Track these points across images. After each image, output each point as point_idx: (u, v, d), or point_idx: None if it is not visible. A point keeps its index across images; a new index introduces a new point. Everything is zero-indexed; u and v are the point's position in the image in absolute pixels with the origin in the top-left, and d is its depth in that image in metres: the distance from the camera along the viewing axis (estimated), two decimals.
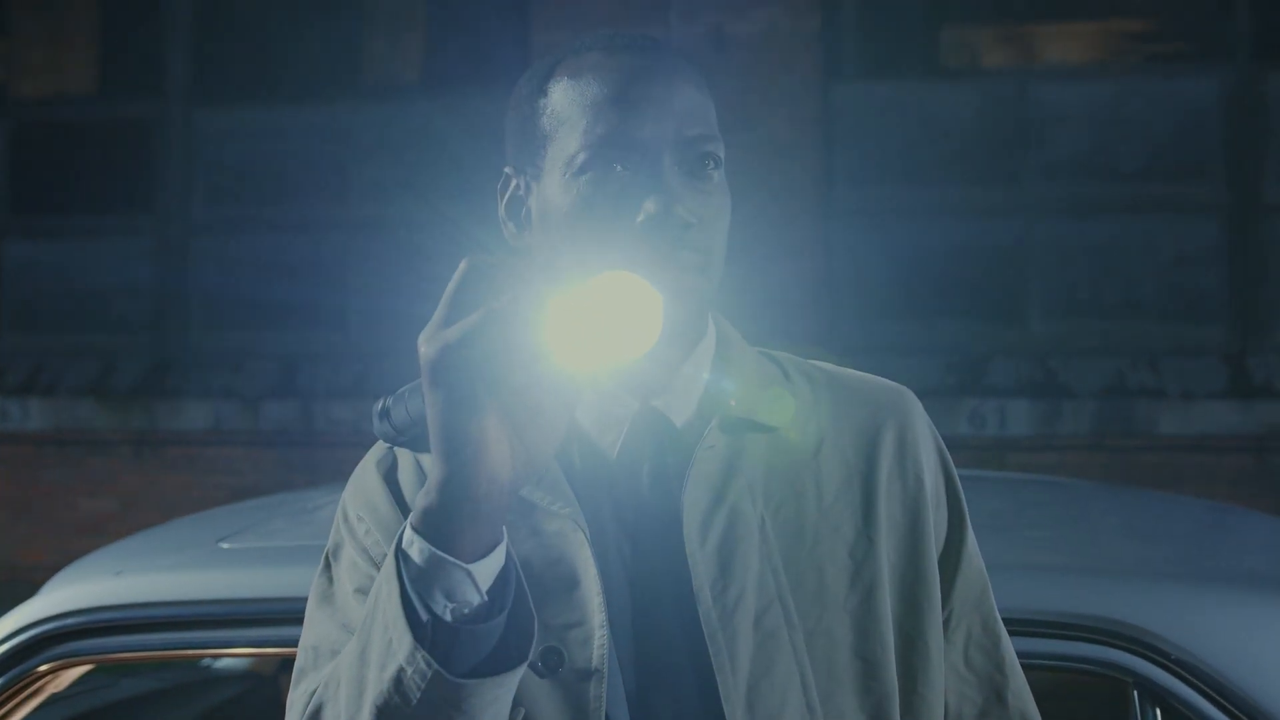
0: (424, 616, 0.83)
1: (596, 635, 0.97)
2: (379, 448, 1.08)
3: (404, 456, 1.07)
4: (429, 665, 0.82)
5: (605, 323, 0.82)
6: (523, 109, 1.05)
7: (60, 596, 1.69)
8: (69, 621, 1.63)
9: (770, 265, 4.79)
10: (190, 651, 1.79)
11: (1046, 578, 1.55)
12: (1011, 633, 1.13)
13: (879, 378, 1.13)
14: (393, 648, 0.83)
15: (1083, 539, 1.85)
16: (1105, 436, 4.67)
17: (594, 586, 0.97)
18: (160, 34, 5.61)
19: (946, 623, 1.08)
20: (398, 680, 0.83)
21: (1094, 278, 4.96)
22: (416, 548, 0.84)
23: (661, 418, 1.03)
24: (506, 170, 1.07)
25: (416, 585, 0.84)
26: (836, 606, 1.01)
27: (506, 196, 1.07)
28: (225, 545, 1.80)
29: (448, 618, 0.83)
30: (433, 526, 0.84)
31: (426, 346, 0.81)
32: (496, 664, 0.84)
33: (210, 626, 1.62)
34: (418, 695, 0.83)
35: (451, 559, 0.83)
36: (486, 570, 0.85)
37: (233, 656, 1.57)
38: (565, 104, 1.01)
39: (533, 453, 0.86)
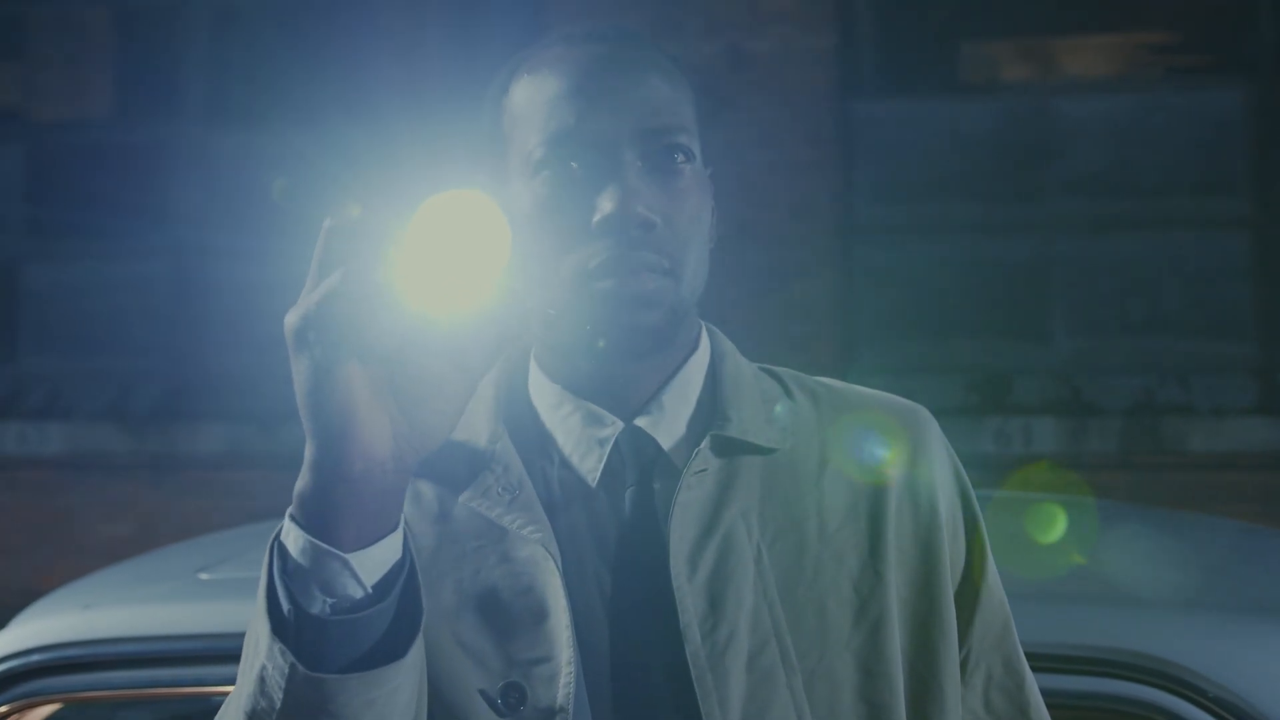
0: (285, 608, 0.75)
1: (563, 672, 0.88)
2: None
3: None
4: (285, 659, 0.74)
5: (448, 251, 0.73)
6: (487, 112, 0.99)
7: (24, 632, 1.61)
8: (33, 659, 1.55)
9: (789, 284, 4.75)
10: (164, 690, 1.69)
11: (1071, 608, 1.45)
12: (1033, 668, 1.04)
13: (891, 395, 1.04)
14: (259, 646, 0.77)
15: (1111, 565, 1.74)
16: (1133, 454, 4.60)
17: (563, 619, 0.89)
18: (176, 57, 5.62)
19: (964, 663, 0.99)
20: (261, 680, 0.76)
21: (1119, 294, 4.89)
22: (293, 536, 0.76)
23: (646, 438, 0.96)
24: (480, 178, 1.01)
25: (291, 577, 0.76)
26: (839, 645, 0.93)
27: None
28: (204, 576, 1.72)
29: (314, 610, 0.75)
30: (309, 513, 0.76)
31: (289, 316, 0.74)
32: (374, 661, 0.76)
33: (186, 663, 1.53)
34: (280, 696, 0.75)
35: (326, 547, 0.75)
36: (372, 560, 0.77)
37: (210, 695, 1.54)
38: (523, 101, 0.94)
39: (423, 428, 0.78)
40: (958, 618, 0.98)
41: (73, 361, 5.68)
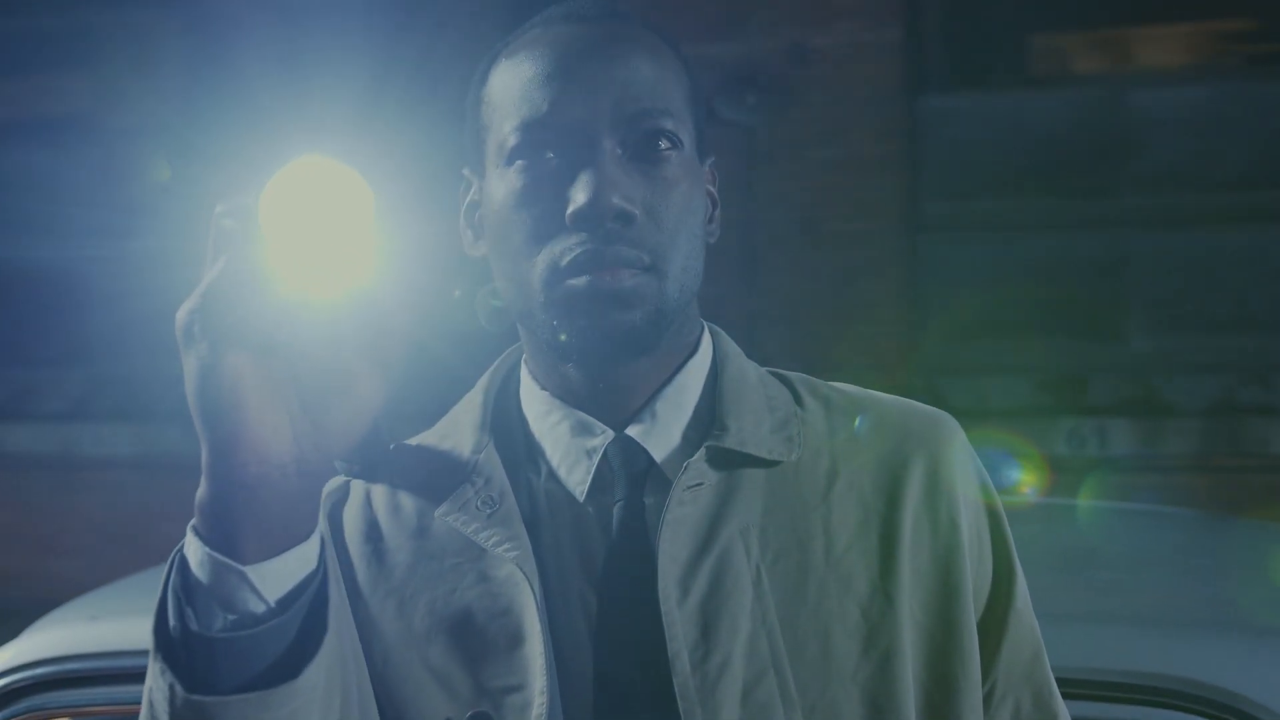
0: (171, 624, 0.70)
1: (536, 702, 0.81)
2: (334, 479, 0.95)
3: (357, 491, 0.94)
4: (165, 680, 0.69)
5: (306, 226, 0.67)
6: (469, 102, 0.92)
7: (30, 645, 1.55)
8: (38, 672, 1.50)
9: (855, 283, 4.69)
10: None
11: (1114, 630, 1.31)
12: (1068, 696, 0.95)
13: (914, 402, 0.95)
14: (151, 667, 0.72)
15: (1164, 582, 1.59)
16: (1212, 456, 4.47)
17: (537, 645, 0.82)
18: (243, 61, 5.68)
19: (988, 697, 0.91)
20: (150, 703, 0.72)
21: (1196, 290, 4.76)
22: (193, 549, 0.71)
23: (637, 449, 0.88)
24: (464, 172, 0.94)
25: (191, 592, 0.71)
26: (845, 677, 0.84)
27: (466, 201, 0.94)
28: None
29: (194, 627, 0.70)
30: (208, 523, 0.70)
31: (179, 311, 0.69)
32: (270, 681, 0.70)
33: None
34: (166, 719, 0.70)
35: (222, 559, 0.69)
36: (276, 573, 0.71)
37: None
38: (500, 89, 0.88)
39: (331, 428, 0.72)
40: (982, 646, 0.89)
41: (145, 364, 5.77)
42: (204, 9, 5.70)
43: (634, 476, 0.88)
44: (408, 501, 0.91)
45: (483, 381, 0.97)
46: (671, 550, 0.84)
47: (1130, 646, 1.27)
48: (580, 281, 0.82)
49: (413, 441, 0.95)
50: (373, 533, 0.90)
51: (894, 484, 0.88)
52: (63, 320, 5.90)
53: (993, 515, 0.93)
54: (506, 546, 0.85)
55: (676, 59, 0.91)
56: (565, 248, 0.83)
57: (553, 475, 0.90)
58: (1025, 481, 4.05)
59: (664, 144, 0.85)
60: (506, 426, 0.93)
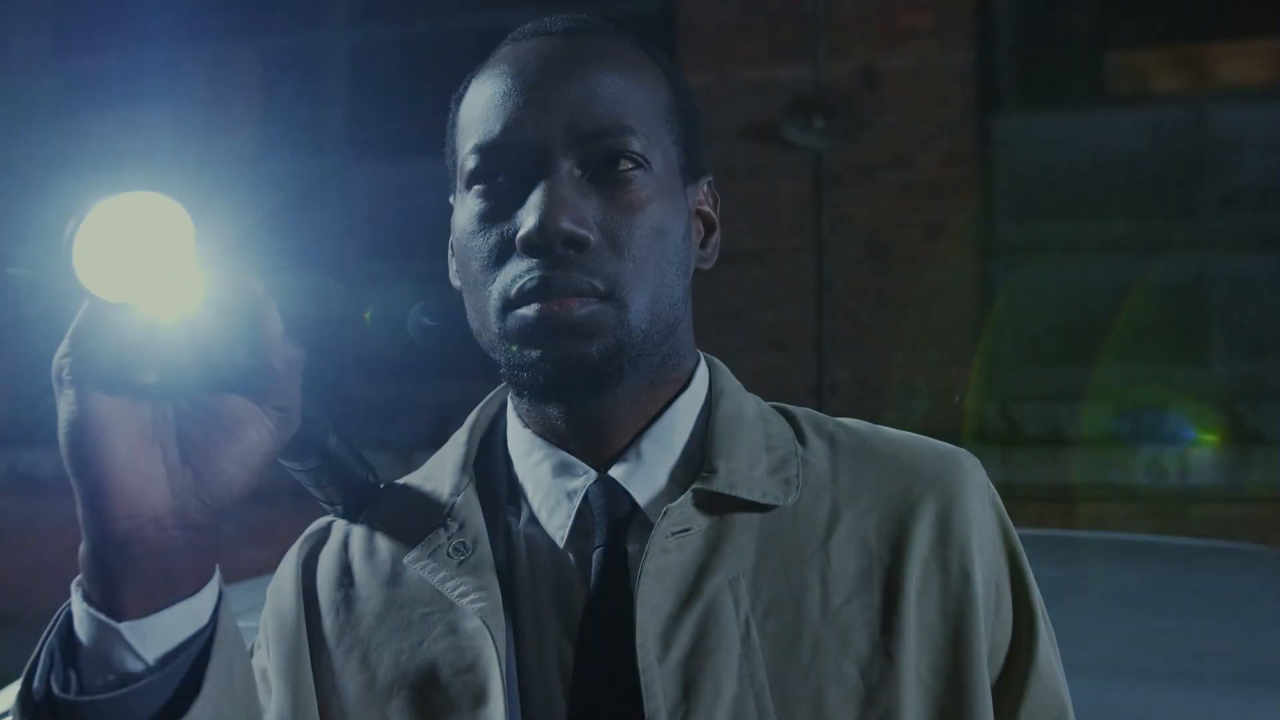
0: (35, 685, 0.66)
1: None
2: (321, 519, 0.92)
3: (337, 533, 0.90)
4: None
5: (128, 262, 0.63)
6: (446, 126, 0.88)
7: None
8: None
9: (926, 308, 4.61)
10: None
11: (1167, 685, 1.16)
12: None
13: (928, 439, 0.88)
14: None
15: (1235, 633, 1.41)
16: None
17: (499, 706, 0.77)
18: (318, 94, 5.78)
19: None
20: None
21: None
22: (76, 605, 0.67)
23: (619, 492, 0.82)
24: (450, 200, 0.89)
25: (74, 652, 0.66)
26: None
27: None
28: (239, 624, 1.60)
29: (58, 690, 0.65)
30: (88, 578, 0.67)
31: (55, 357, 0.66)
32: None
33: None
34: None
35: (99, 615, 0.65)
36: (158, 630, 0.66)
37: None
38: (466, 111, 0.84)
39: (215, 479, 0.68)
40: (997, 711, 0.81)
41: None
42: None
43: (616, 521, 0.82)
44: (383, 545, 0.86)
45: (470, 418, 0.92)
46: (652, 601, 0.78)
47: (1192, 708, 1.14)
48: (530, 311, 0.77)
49: (401, 481, 0.91)
50: (345, 578, 0.86)
51: (900, 530, 0.81)
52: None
53: (1014, 564, 0.85)
54: (473, 598, 0.80)
55: (655, 72, 0.85)
56: (515, 275, 0.78)
57: (533, 519, 0.84)
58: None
59: (625, 164, 0.79)
60: (490, 466, 0.88)
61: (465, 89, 0.86)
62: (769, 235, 4.76)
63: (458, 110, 0.86)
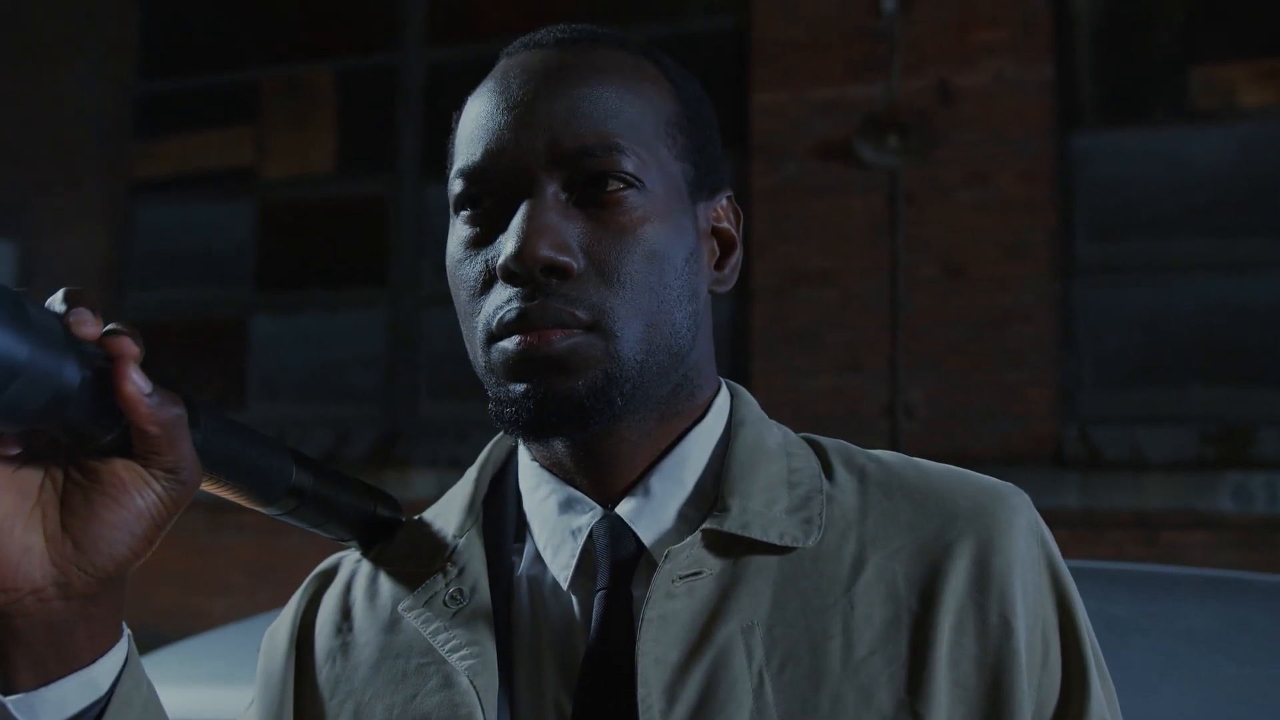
0: None
1: None
2: (333, 555, 0.87)
3: (343, 574, 0.85)
4: None
5: None
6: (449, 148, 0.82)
7: None
8: None
9: (1003, 329, 4.53)
10: None
11: None
12: None
13: (970, 474, 0.79)
14: None
15: None
16: None
17: None
18: (394, 114, 5.86)
19: None
20: None
21: None
22: None
23: (625, 530, 0.76)
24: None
25: None
26: None
27: None
28: None
29: None
30: None
31: None
32: None
33: None
34: None
35: None
36: (50, 702, 0.63)
37: None
38: (459, 131, 0.79)
39: (94, 548, 0.63)
40: None
41: (296, 407, 5.94)
42: None
43: (621, 563, 0.75)
44: (385, 589, 0.82)
45: (484, 453, 0.87)
46: (656, 651, 0.71)
47: None
48: (510, 344, 0.72)
49: (418, 516, 0.87)
50: (344, 623, 0.82)
51: (933, 575, 0.73)
52: (218, 366, 6.13)
53: (1064, 611, 0.76)
54: (464, 654, 0.74)
55: (658, 82, 0.78)
56: (496, 306, 0.73)
57: (538, 559, 0.79)
58: None
59: (614, 184, 0.73)
60: (500, 503, 0.83)
61: (461, 108, 0.81)
62: (841, 255, 4.72)
63: (454, 131, 0.81)
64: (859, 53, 4.79)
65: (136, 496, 0.64)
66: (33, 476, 0.63)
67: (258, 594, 5.50)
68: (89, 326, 0.61)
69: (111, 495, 0.63)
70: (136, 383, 0.62)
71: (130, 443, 0.63)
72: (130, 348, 0.62)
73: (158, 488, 0.64)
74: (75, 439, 0.62)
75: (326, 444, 5.66)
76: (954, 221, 4.63)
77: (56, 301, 0.62)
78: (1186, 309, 4.58)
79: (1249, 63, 4.68)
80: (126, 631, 0.68)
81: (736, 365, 4.68)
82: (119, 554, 0.64)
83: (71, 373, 0.59)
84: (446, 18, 5.83)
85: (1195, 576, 1.74)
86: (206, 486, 0.71)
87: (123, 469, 0.63)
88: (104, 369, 0.61)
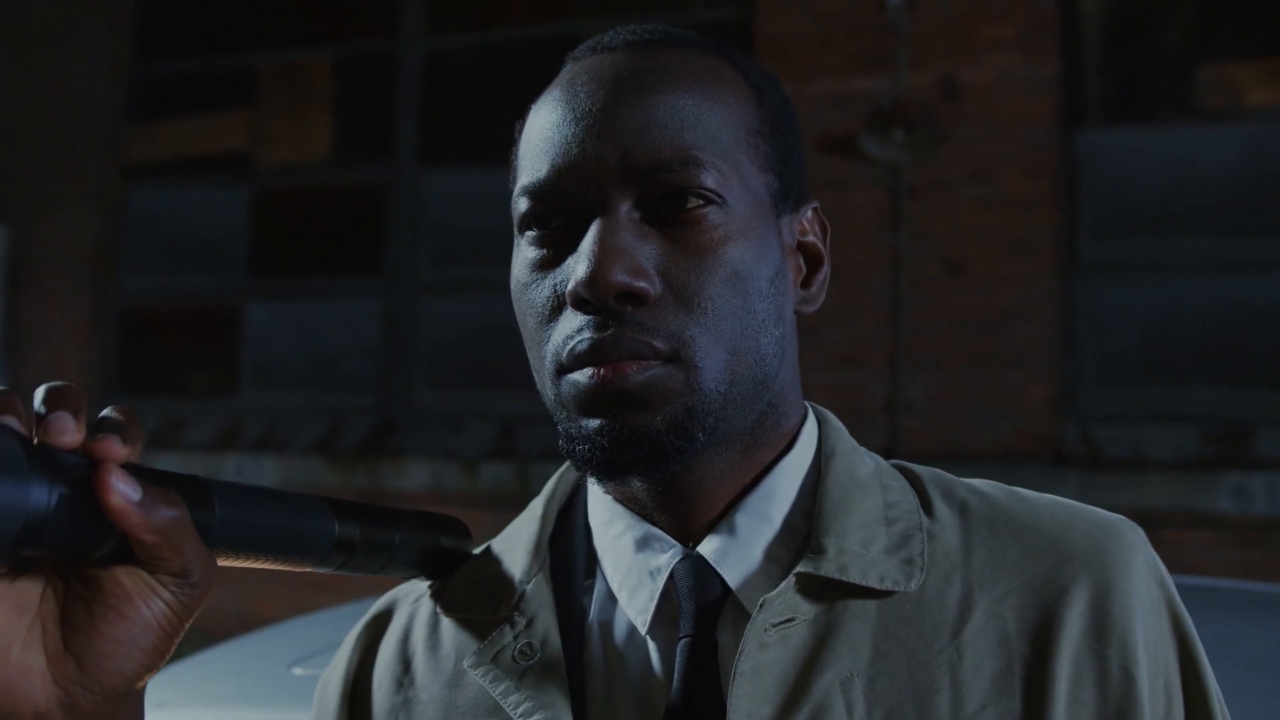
0: None
1: None
2: (385, 597, 0.82)
3: (400, 618, 0.79)
4: None
5: None
6: (511, 154, 0.76)
7: None
8: None
9: (1005, 326, 4.50)
10: None
11: None
12: None
13: (1079, 506, 0.74)
14: None
15: None
16: None
17: None
18: (391, 101, 5.80)
19: None
20: None
21: None
22: None
23: (709, 572, 0.71)
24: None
25: None
26: None
27: None
28: (299, 671, 1.48)
29: None
30: None
31: None
32: None
33: None
34: None
35: None
36: None
37: None
38: (523, 143, 0.73)
39: (98, 666, 0.57)
40: None
41: (290, 396, 5.90)
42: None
43: (705, 607, 0.70)
44: (448, 638, 0.76)
45: (548, 486, 0.81)
46: (749, 706, 0.65)
47: None
48: (582, 377, 0.67)
49: (480, 550, 0.81)
50: (405, 676, 0.76)
51: (1047, 621, 0.67)
52: (211, 353, 6.08)
53: (1187, 658, 0.71)
54: (531, 710, 0.69)
55: (738, 86, 0.73)
56: (566, 335, 0.68)
57: (610, 598, 0.73)
58: None
59: (693, 201, 0.67)
60: (568, 539, 0.78)
61: (526, 118, 0.75)
62: (844, 249, 4.68)
63: (518, 142, 0.75)
64: (864, 46, 4.75)
65: (143, 607, 0.58)
66: (29, 590, 0.57)
67: (253, 582, 5.46)
68: (69, 435, 0.55)
69: (115, 608, 0.57)
70: (122, 492, 0.55)
71: (131, 548, 0.57)
72: (113, 450, 0.56)
73: (166, 595, 0.58)
74: (68, 556, 0.57)
75: (320, 433, 5.62)
76: (957, 217, 4.60)
77: (37, 401, 0.56)
78: (1189, 308, 4.56)
79: (1256, 62, 4.65)
80: None
81: None
82: (127, 671, 0.58)
83: (40, 496, 0.53)
84: (446, 4, 5.78)
85: (1263, 593, 1.67)
86: (239, 564, 0.65)
87: (126, 577, 0.57)
88: (86, 477, 0.55)
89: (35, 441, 0.55)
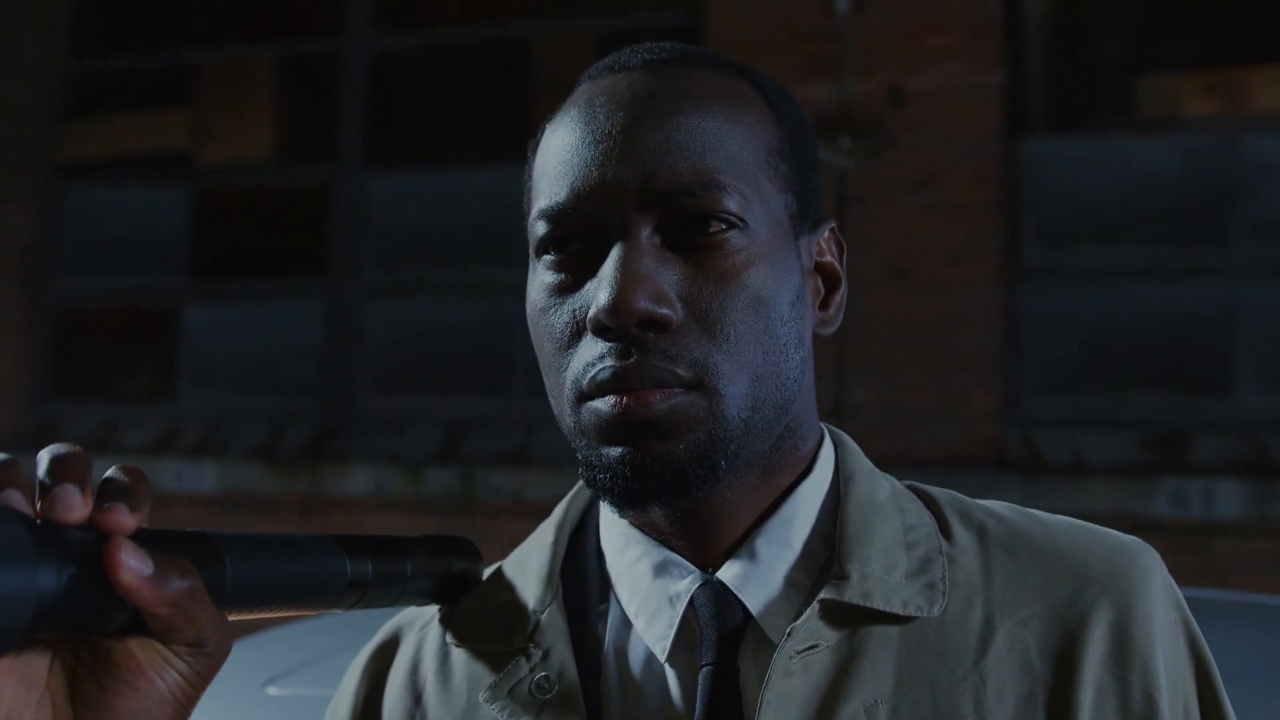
0: None
1: None
2: (389, 624, 0.81)
3: (408, 646, 0.78)
4: None
5: None
6: (524, 174, 0.76)
7: None
8: None
9: (949, 332, 4.54)
10: None
11: None
12: None
13: (1096, 529, 0.74)
14: None
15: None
16: None
17: None
18: (336, 101, 5.73)
19: None
20: None
21: None
22: None
23: (730, 598, 0.70)
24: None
25: None
26: None
27: None
28: (273, 691, 1.44)
29: None
30: None
31: None
32: None
33: None
34: None
35: None
36: None
37: None
38: (538, 163, 0.72)
39: None
40: None
41: (229, 399, 5.80)
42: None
43: (726, 634, 0.69)
44: (459, 669, 0.74)
45: (558, 511, 0.79)
46: None
47: None
48: (603, 405, 0.66)
49: (490, 575, 0.79)
50: (416, 710, 0.74)
51: (1068, 645, 0.68)
52: (149, 355, 5.96)
53: (1204, 680, 0.72)
54: None
55: (757, 105, 0.72)
56: (587, 362, 0.67)
57: (625, 623, 0.72)
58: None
59: (716, 225, 0.66)
60: (580, 564, 0.76)
61: (540, 137, 0.74)
62: None
63: (532, 163, 0.74)
64: (811, 52, 4.77)
65: (156, 679, 0.56)
66: (36, 663, 0.55)
67: None
68: (75, 512, 0.53)
69: (128, 681, 0.55)
70: (133, 568, 0.53)
71: (143, 619, 0.55)
72: (121, 523, 0.54)
73: (181, 665, 0.57)
74: (79, 633, 0.54)
75: (261, 437, 5.53)
76: (902, 224, 4.63)
77: (41, 470, 0.54)
78: (1129, 315, 4.62)
79: (1196, 74, 4.73)
80: None
81: None
82: None
83: (49, 580, 0.51)
84: (393, 3, 5.72)
85: (1236, 602, 1.67)
86: (252, 617, 0.63)
87: (139, 649, 0.56)
88: (95, 553, 0.53)
89: (39, 515, 0.53)
